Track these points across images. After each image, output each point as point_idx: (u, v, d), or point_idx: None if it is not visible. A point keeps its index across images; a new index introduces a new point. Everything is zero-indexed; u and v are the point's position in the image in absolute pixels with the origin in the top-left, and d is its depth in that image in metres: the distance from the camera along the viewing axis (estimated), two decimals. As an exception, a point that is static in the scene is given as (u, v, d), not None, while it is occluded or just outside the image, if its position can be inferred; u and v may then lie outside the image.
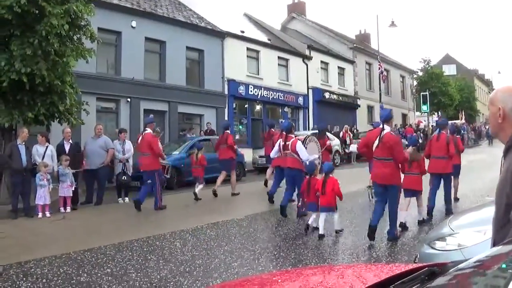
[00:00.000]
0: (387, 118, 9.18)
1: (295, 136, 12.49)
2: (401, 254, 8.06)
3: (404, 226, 9.98)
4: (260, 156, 24.62)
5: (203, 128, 26.77)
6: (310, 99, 36.72)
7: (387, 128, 8.94)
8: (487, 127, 48.78)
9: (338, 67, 41.10)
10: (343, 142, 29.51)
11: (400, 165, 9.11)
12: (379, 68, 39.37)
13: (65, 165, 13.46)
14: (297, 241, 9.17)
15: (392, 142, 8.76)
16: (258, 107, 33.17)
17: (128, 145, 15.81)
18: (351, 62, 42.84)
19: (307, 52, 37.07)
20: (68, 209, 13.35)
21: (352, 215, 11.78)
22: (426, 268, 2.47)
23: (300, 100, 35.54)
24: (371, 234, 8.69)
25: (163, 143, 20.61)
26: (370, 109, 44.73)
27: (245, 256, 8.16)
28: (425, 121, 41.56)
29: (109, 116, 23.73)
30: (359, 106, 42.35)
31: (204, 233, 10.04)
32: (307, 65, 36.71)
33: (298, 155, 11.67)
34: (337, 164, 25.83)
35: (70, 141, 14.62)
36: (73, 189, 13.64)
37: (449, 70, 71.59)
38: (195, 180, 16.02)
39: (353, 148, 18.57)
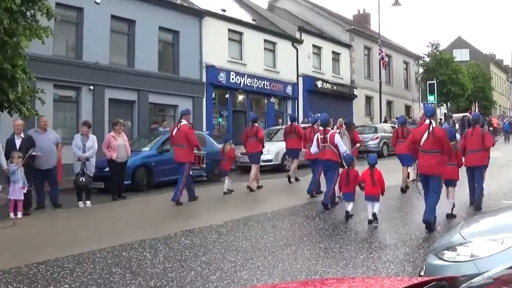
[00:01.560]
0: (433, 113, 11.42)
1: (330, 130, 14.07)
2: (404, 265, 8.01)
3: (451, 215, 11.91)
4: (243, 154, 24.52)
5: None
6: (300, 89, 36.81)
7: (434, 123, 10.88)
8: (505, 120, 48.85)
9: (333, 52, 41.21)
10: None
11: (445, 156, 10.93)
12: (380, 53, 39.48)
13: (17, 163, 13.18)
14: (284, 251, 9.11)
15: (441, 135, 10.71)
16: (240, 97, 33.16)
17: (91, 141, 15.30)
18: (348, 46, 42.93)
19: (297, 35, 37.11)
20: (20, 214, 13.10)
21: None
22: (434, 283, 2.41)
23: (289, 89, 35.58)
24: (430, 228, 10.43)
25: (130, 138, 20.53)
26: (368, 100, 44.86)
27: (225, 268, 8.08)
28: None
29: (68, 106, 23.57)
30: (356, 97, 42.50)
31: (178, 242, 9.94)
32: (297, 50, 36.73)
33: (336, 148, 13.14)
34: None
35: (22, 135, 14.16)
36: (25, 191, 13.38)
37: (461, 55, 71.86)
38: (224, 174, 17.46)
39: (314, 150, 18.81)
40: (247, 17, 34.89)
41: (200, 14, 29.32)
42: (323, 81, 38.71)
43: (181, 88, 27.73)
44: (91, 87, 23.59)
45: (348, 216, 11.83)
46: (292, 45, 36.60)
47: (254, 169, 17.65)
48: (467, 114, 43.39)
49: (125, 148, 16.24)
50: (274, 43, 35.24)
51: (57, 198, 14.73)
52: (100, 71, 23.68)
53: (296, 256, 8.76)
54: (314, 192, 15.41)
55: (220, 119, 31.79)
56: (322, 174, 14.40)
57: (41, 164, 14.32)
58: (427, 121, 10.85)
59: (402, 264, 8.09)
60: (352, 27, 44.61)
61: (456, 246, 5.29)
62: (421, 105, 51.98)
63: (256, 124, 18.17)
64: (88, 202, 14.96)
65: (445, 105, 49.71)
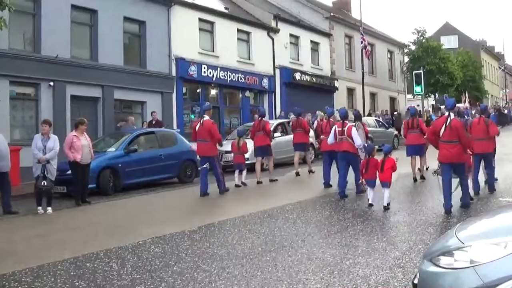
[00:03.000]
0: (452, 106, 13.04)
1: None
2: (395, 271, 7.91)
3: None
4: (228, 152, 24.32)
5: (146, 118, 26.44)
6: (277, 81, 36.81)
7: (452, 115, 12.46)
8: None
9: (311, 41, 41.23)
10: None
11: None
12: (362, 42, 39.56)
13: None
14: (263, 258, 8.98)
15: (459, 126, 12.31)
16: (213, 92, 33.07)
17: (52, 141, 15.06)
18: (327, 35, 42.96)
19: (273, 24, 37.06)
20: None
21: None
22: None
23: (265, 82, 35.53)
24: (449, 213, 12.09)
25: (95, 138, 20.29)
26: (350, 92, 44.94)
27: (198, 278, 7.95)
28: (418, 105, 41.81)
29: (26, 104, 23.25)
30: (337, 89, 42.57)
31: (148, 250, 9.79)
32: (273, 40, 36.68)
33: (353, 140, 14.95)
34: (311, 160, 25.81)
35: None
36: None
37: (449, 42, 72.39)
38: (237, 167, 18.74)
39: (331, 140, 19.64)
40: (219, 6, 34.70)
41: (168, 2, 29.09)
42: (302, 72, 38.68)
43: (149, 83, 27.50)
44: (51, 83, 23.25)
45: (370, 205, 13.47)
46: (268, 34, 36.52)
47: (270, 161, 19.79)
48: (459, 105, 43.66)
49: (89, 149, 16.01)
50: (248, 33, 35.14)
51: (9, 204, 14.48)
52: (61, 65, 23.35)
53: (276, 263, 8.64)
54: (328, 181, 17.19)
55: (192, 116, 31.58)
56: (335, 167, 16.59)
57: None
58: (446, 113, 12.63)
59: (392, 270, 7.98)
60: (331, 14, 44.55)
61: (453, 251, 5.15)
62: (408, 96, 52.26)
63: (264, 119, 19.99)
64: (49, 208, 14.70)
65: (433, 96, 49.81)
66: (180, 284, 7.71)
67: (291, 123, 23.07)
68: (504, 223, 5.55)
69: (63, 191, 17.26)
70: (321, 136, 18.53)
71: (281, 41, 37.45)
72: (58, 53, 23.23)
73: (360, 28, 40.77)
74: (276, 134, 25.06)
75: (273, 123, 27.18)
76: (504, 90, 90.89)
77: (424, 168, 18.35)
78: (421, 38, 49.31)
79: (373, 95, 47.74)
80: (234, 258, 9.07)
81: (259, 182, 18.87)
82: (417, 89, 42.50)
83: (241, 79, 33.52)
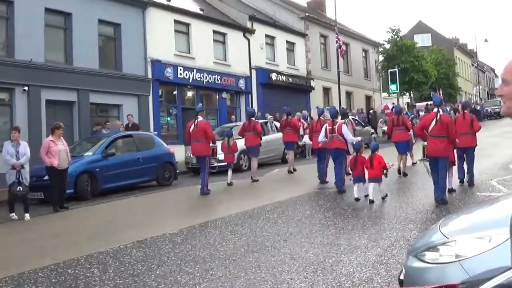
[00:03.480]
0: (440, 103, 13.98)
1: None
2: (377, 268, 7.94)
3: (451, 190, 14.25)
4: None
5: (123, 121, 26.31)
6: (253, 82, 36.74)
7: (441, 111, 13.30)
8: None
9: (287, 41, 41.23)
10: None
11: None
12: (337, 42, 39.61)
13: None
14: (246, 259, 8.98)
15: (449, 121, 13.19)
16: (189, 94, 32.97)
17: (23, 147, 15.02)
18: (303, 35, 43.01)
19: (248, 25, 37.01)
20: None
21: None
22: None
23: (241, 83, 35.49)
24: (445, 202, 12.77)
25: (71, 142, 20.14)
26: (326, 91, 45.05)
27: (182, 281, 7.94)
28: (394, 103, 42.00)
29: (0, 110, 22.96)
30: (313, 89, 42.57)
31: (129, 254, 9.74)
32: (249, 41, 36.65)
33: (343, 137, 15.75)
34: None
35: None
36: None
37: (422, 40, 72.80)
38: (228, 167, 19.34)
39: (307, 139, 20.46)
40: (194, 7, 34.60)
41: (143, 4, 28.92)
42: (278, 73, 38.69)
43: (124, 86, 27.33)
44: (26, 88, 22.97)
45: (357, 199, 14.01)
46: (244, 35, 36.50)
47: (254, 162, 20.01)
48: (430, 102, 43.92)
49: (66, 154, 15.90)
50: (224, 34, 35.07)
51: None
52: (35, 70, 23.08)
53: (259, 263, 8.64)
54: (324, 179, 17.79)
55: (168, 118, 31.48)
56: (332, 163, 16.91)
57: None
58: (435, 110, 13.40)
59: (375, 266, 8.02)
60: (306, 14, 44.60)
61: (438, 246, 5.18)
62: (383, 94, 52.53)
63: (253, 119, 20.64)
64: (27, 215, 14.57)
65: (407, 93, 50.09)
66: (164, 287, 7.69)
67: (280, 122, 23.63)
68: (487, 218, 5.60)
69: (40, 197, 17.13)
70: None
71: (257, 41, 37.43)
72: (32, 57, 22.95)
73: (335, 27, 40.85)
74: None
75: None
76: (477, 87, 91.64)
77: (411, 164, 19.56)
78: (395, 37, 49.56)
79: (349, 94, 47.87)
80: (217, 260, 9.06)
81: (255, 180, 19.59)
82: (392, 87, 42.69)
83: (217, 80, 33.43)
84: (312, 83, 42.42)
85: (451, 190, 14.17)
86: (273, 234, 10.81)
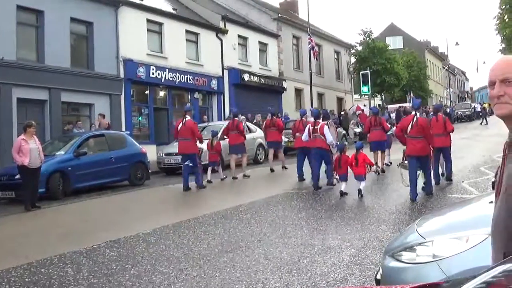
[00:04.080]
0: (419, 106, 15.15)
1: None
2: (352, 268, 8.00)
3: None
4: (167, 154, 24.26)
5: (94, 120, 26.16)
6: (225, 82, 36.77)
7: (418, 114, 14.32)
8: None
9: (260, 42, 41.32)
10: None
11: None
12: (310, 43, 39.74)
13: None
14: (221, 259, 8.99)
15: (424, 124, 14.09)
16: (162, 94, 32.86)
17: None
18: (275, 36, 43.13)
19: (221, 25, 37.01)
20: None
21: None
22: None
23: (214, 83, 35.48)
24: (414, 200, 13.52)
25: (42, 141, 19.98)
26: (298, 92, 45.19)
27: (157, 281, 7.93)
28: (365, 105, 42.20)
29: (-30, 108, 22.74)
30: (285, 90, 42.73)
31: (103, 254, 9.70)
32: (221, 41, 36.66)
33: (325, 137, 16.48)
34: (261, 160, 25.91)
35: None
36: None
37: (394, 43, 73.18)
38: (211, 165, 20.06)
39: (305, 137, 21.44)
40: (167, 6, 34.49)
41: (115, 3, 28.79)
42: (250, 73, 38.74)
43: (96, 85, 27.16)
44: (-4, 86, 22.80)
45: (342, 194, 14.80)
46: (216, 35, 36.48)
47: (244, 158, 21.02)
48: (403, 104, 44.29)
49: (39, 153, 15.77)
50: (196, 34, 35.03)
51: None
52: (6, 68, 22.82)
53: (234, 263, 8.66)
54: (302, 176, 18.48)
55: (140, 118, 31.36)
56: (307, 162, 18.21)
57: None
58: (413, 113, 14.40)
59: (349, 267, 8.09)
60: (279, 15, 44.73)
61: (415, 246, 5.26)
62: (355, 96, 52.79)
63: (237, 118, 22.00)
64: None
65: (379, 95, 50.40)
66: (139, 287, 7.68)
67: (265, 122, 24.12)
68: (462, 219, 5.69)
69: (12, 197, 16.99)
70: (296, 134, 19.62)
71: (230, 42, 37.44)
72: (3, 55, 22.74)
73: (308, 29, 40.99)
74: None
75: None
76: (448, 90, 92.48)
77: (388, 162, 20.28)
78: (367, 39, 49.81)
79: (320, 95, 48.08)
80: (191, 260, 9.07)
81: (234, 178, 20.02)
82: (364, 89, 42.91)
83: (189, 80, 33.38)
84: (284, 84, 42.56)
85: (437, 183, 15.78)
86: (247, 234, 10.83)
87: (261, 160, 25.96)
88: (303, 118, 20.13)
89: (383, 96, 51.03)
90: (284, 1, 54.11)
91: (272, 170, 21.67)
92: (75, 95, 26.35)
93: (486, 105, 61.76)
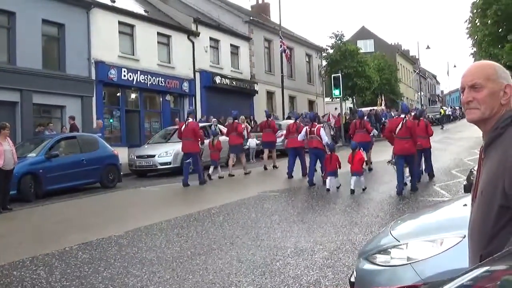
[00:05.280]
0: (407, 110, 17.31)
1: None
2: (324, 271, 8.03)
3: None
4: (139, 156, 24.19)
5: (65, 123, 25.97)
6: (197, 85, 36.73)
7: (406, 117, 15.84)
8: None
9: (231, 45, 41.31)
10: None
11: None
12: (281, 46, 39.82)
13: None
14: (193, 261, 8.98)
15: (412, 126, 15.61)
16: (133, 96, 32.73)
17: None
18: (247, 39, 43.17)
19: (193, 27, 36.96)
20: None
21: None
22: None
23: (185, 86, 35.39)
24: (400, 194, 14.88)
25: (14, 143, 19.78)
26: (270, 95, 45.27)
27: (129, 284, 7.91)
28: (337, 108, 42.36)
29: None
30: (257, 92, 42.79)
31: (75, 257, 9.63)
32: (193, 43, 36.60)
33: (321, 138, 18.09)
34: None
35: None
36: None
37: (365, 46, 73.67)
38: (213, 164, 21.37)
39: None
40: (138, 9, 34.32)
41: (87, 5, 28.57)
42: (222, 76, 38.72)
43: (68, 87, 26.92)
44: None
45: (328, 190, 16.36)
46: (188, 38, 36.39)
47: (242, 157, 22.58)
48: (374, 108, 44.57)
49: (12, 154, 15.62)
50: (168, 36, 34.91)
51: None
52: (-23, 69, 22.64)
53: (206, 266, 8.66)
54: (291, 174, 20.08)
55: (112, 120, 31.17)
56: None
57: None
58: (402, 116, 16.16)
59: (322, 269, 8.12)
60: (251, 18, 44.76)
61: (389, 249, 5.28)
62: (326, 99, 52.95)
63: (237, 121, 23.79)
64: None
65: (350, 99, 50.56)
66: (112, 290, 7.65)
67: (260, 124, 26.11)
68: (435, 222, 5.75)
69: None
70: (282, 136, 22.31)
71: (201, 44, 37.38)
72: (-26, 56, 22.56)
73: (279, 32, 41.10)
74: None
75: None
76: (419, 93, 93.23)
77: (370, 162, 21.40)
78: (339, 42, 49.88)
79: (292, 98, 48.18)
80: (164, 262, 9.05)
81: (231, 175, 21.44)
82: (336, 92, 42.78)
83: (161, 82, 33.25)
84: (256, 87, 42.61)
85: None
86: (220, 237, 10.83)
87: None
88: (296, 122, 21.63)
89: (354, 99, 51.19)
90: (255, 4, 54.22)
91: (265, 168, 23.19)
92: (46, 97, 26.09)
93: (442, 111, 62.97)
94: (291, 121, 24.55)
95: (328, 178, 16.64)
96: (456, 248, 4.57)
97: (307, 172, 18.78)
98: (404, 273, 4.86)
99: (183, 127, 19.80)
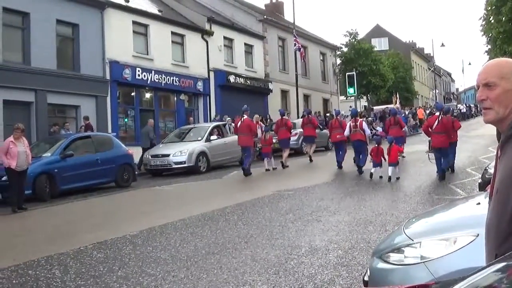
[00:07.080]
0: (442, 108, 19.26)
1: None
2: (339, 270, 8.01)
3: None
4: (154, 156, 24.23)
5: (80, 122, 26.06)
6: (211, 84, 36.74)
7: (441, 115, 17.97)
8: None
9: (245, 44, 41.33)
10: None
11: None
12: (295, 45, 39.76)
13: None
14: (208, 260, 8.98)
15: (447, 122, 17.83)
16: (147, 95, 32.78)
17: None
18: (261, 37, 43.14)
19: (207, 26, 36.96)
20: None
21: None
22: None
23: (200, 85, 35.42)
24: (443, 176, 17.45)
25: (29, 143, 19.90)
26: (284, 94, 45.19)
27: (144, 283, 7.91)
28: (351, 107, 42.26)
29: (-44, 110, 22.59)
30: (271, 91, 42.74)
31: (90, 256, 9.66)
32: (207, 42, 36.62)
33: (364, 132, 20.41)
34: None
35: None
36: None
37: (380, 44, 73.33)
38: (264, 156, 23.50)
39: (347, 132, 24.34)
40: (152, 8, 34.41)
41: (101, 5, 28.68)
42: (236, 75, 38.74)
43: (83, 87, 27.04)
44: (-18, 88, 22.65)
45: (371, 176, 18.52)
46: (202, 37, 36.43)
47: (286, 152, 24.46)
48: (388, 106, 44.36)
49: (26, 155, 15.70)
50: (182, 36, 34.97)
51: None
52: (-8, 70, 22.75)
53: (221, 265, 8.65)
54: (341, 163, 22.04)
55: (126, 119, 31.27)
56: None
57: None
58: (437, 113, 18.54)
59: (336, 268, 8.09)
60: (265, 17, 44.74)
61: (402, 248, 5.25)
62: (341, 98, 52.83)
63: (285, 117, 25.91)
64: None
65: (365, 97, 50.44)
66: (126, 289, 7.67)
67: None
68: (450, 220, 5.70)
69: (-1, 198, 16.92)
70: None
71: (215, 43, 37.42)
72: (-11, 57, 22.67)
73: (294, 30, 41.05)
74: (212, 137, 25.38)
75: (209, 126, 27.28)
76: (434, 91, 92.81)
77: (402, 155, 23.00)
78: (353, 40, 49.80)
79: (306, 97, 48.08)
80: (179, 261, 9.05)
81: (286, 166, 23.64)
82: (350, 90, 42.89)
83: (175, 82, 33.32)
84: (270, 86, 42.58)
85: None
86: (234, 236, 10.82)
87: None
88: (337, 117, 23.64)
89: (369, 98, 51.09)
90: (269, 3, 54.20)
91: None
92: (61, 97, 26.21)
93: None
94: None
95: (374, 169, 18.54)
96: (470, 247, 4.54)
97: (354, 161, 20.95)
98: (417, 272, 4.83)
99: (239, 123, 21.87)
